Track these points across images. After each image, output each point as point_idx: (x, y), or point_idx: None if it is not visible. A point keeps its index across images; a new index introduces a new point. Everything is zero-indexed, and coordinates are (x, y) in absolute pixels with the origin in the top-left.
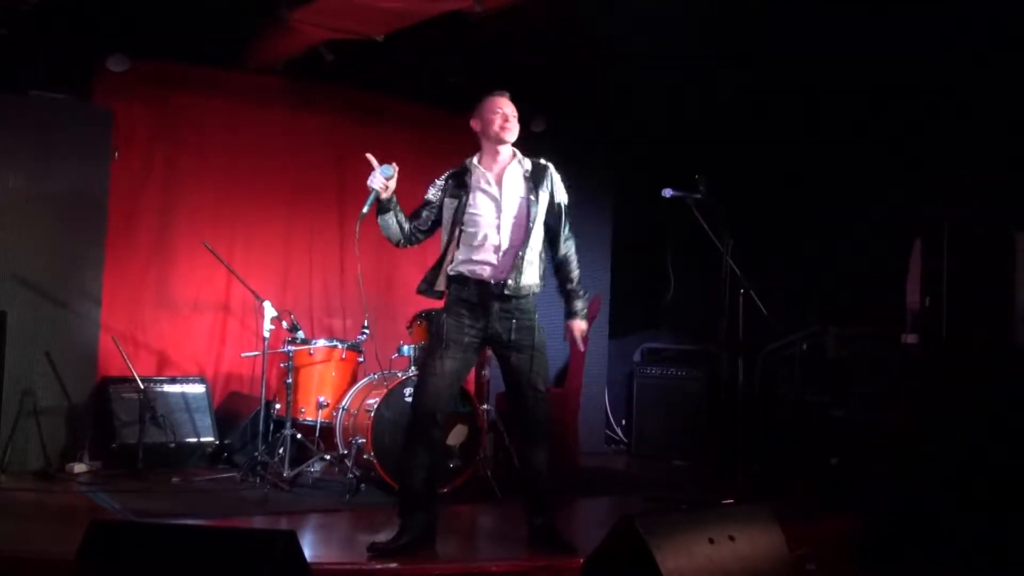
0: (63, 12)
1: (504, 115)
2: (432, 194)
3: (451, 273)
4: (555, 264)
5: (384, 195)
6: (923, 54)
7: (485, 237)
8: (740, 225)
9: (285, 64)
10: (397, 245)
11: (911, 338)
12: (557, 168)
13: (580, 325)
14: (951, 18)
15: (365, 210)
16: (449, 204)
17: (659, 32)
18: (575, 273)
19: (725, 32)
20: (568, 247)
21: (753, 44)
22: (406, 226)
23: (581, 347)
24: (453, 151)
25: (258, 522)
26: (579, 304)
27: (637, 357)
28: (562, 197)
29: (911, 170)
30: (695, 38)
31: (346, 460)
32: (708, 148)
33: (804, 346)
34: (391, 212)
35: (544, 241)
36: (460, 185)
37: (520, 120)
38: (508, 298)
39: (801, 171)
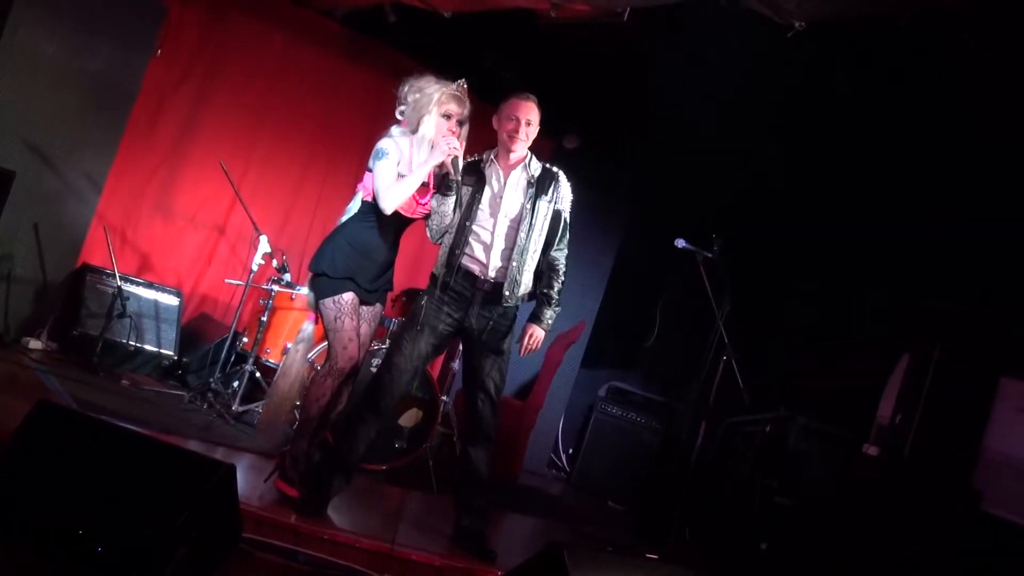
0: None
1: (516, 123)
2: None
3: (443, 260)
4: (539, 267)
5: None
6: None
7: (480, 233)
8: (738, 290)
9: (347, 12)
10: (433, 239)
11: (872, 450)
12: (571, 182)
13: (538, 333)
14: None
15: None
16: (463, 191)
17: (715, 91)
18: (557, 283)
19: (776, 109)
20: (558, 256)
21: (800, 127)
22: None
23: (522, 352)
24: (486, 144)
25: (194, 446)
26: (547, 313)
27: (602, 392)
28: (564, 206)
29: (917, 293)
30: (747, 105)
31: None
32: (730, 210)
33: (768, 428)
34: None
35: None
36: (474, 174)
37: (553, 133)
38: (492, 299)
39: (813, 254)
